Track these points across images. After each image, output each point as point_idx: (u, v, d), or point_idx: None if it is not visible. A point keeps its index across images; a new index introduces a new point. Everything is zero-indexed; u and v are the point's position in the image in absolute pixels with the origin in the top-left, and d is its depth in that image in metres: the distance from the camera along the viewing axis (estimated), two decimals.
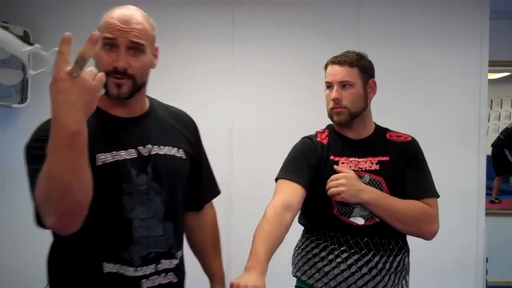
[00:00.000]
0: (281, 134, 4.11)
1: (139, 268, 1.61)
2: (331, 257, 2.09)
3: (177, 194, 1.75)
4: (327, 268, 2.08)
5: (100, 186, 1.49)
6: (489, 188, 7.70)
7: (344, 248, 2.07)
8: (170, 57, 3.99)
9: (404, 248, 2.14)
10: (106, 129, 1.62)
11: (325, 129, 2.26)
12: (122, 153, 1.60)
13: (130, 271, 1.59)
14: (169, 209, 1.69)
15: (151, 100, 1.80)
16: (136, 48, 1.59)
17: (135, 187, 1.60)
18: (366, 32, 4.12)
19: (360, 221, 2.07)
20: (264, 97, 4.15)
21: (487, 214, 4.40)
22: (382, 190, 2.08)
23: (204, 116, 4.10)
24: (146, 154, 1.64)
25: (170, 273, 1.70)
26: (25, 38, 3.93)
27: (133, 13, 1.62)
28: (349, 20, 4.16)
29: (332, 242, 2.09)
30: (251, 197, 4.02)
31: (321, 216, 2.12)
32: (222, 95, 4.13)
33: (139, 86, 1.63)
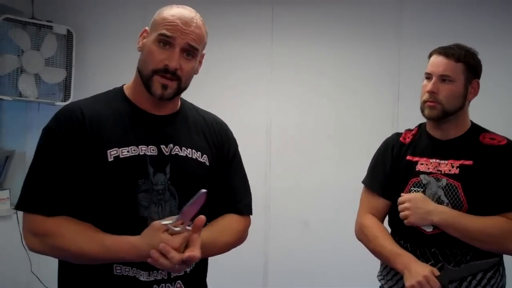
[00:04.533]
0: (319, 132, 4.12)
1: (151, 272, 1.53)
2: (388, 276, 2.05)
3: None
4: (401, 283, 1.97)
5: (115, 181, 1.50)
6: None
7: (432, 262, 1.94)
8: (210, 54, 4.02)
9: (484, 260, 1.93)
10: (131, 122, 1.58)
11: (416, 127, 2.15)
12: (143, 148, 1.54)
13: (143, 275, 1.52)
14: None
15: (183, 101, 1.75)
16: (190, 52, 1.57)
17: (151, 185, 1.53)
18: (407, 32, 4.05)
19: (428, 228, 1.94)
20: (302, 95, 4.15)
21: None
22: (457, 196, 1.92)
23: (243, 114, 4.16)
24: (167, 154, 1.58)
25: (178, 281, 1.59)
26: (69, 37, 4.01)
27: (193, 16, 1.59)
28: (390, 19, 4.10)
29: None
30: (289, 195, 4.04)
31: (395, 220, 2.06)
32: (261, 93, 4.15)
33: (181, 90, 1.61)
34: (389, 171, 2.06)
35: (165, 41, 1.54)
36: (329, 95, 4.13)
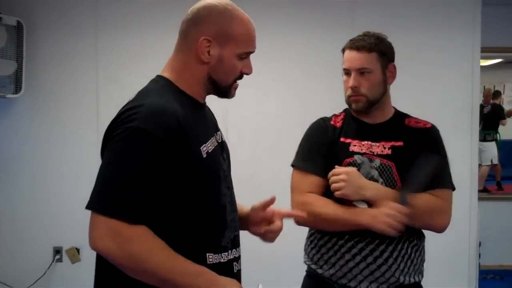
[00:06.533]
0: (278, 121, 4.18)
1: (229, 252, 1.61)
2: (336, 247, 2.05)
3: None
4: (333, 260, 2.05)
5: (206, 177, 1.54)
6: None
7: (348, 237, 2.02)
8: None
9: (414, 235, 2.06)
10: (199, 115, 1.64)
11: (342, 112, 2.20)
12: (213, 140, 1.60)
13: (224, 256, 1.59)
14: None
15: None
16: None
17: (223, 173, 1.63)
18: (360, 19, 4.13)
19: (363, 205, 2.00)
20: (261, 83, 4.17)
21: (480, 199, 4.45)
22: (391, 175, 2.01)
23: None
24: (220, 141, 1.66)
25: (240, 260, 1.69)
26: (19, 29, 3.92)
27: None
28: (343, 6, 4.17)
29: (336, 232, 2.05)
30: (245, 185, 4.05)
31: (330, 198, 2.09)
32: None
33: None
34: (326, 153, 2.10)
35: (246, 57, 1.63)
36: (290, 82, 4.17)
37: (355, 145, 2.07)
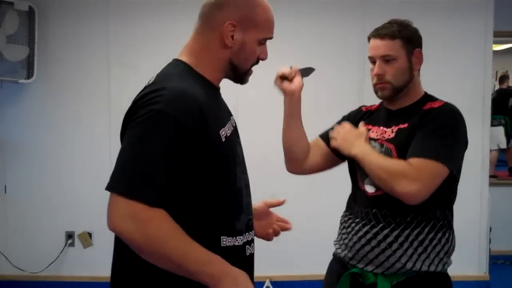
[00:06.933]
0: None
1: (244, 235, 1.62)
2: (349, 229, 2.07)
3: None
4: (346, 240, 2.08)
5: (224, 160, 1.55)
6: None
7: (357, 219, 2.04)
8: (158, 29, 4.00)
9: (424, 222, 1.98)
10: (217, 100, 1.65)
11: (380, 103, 2.22)
12: (229, 124, 1.61)
13: (239, 240, 1.60)
14: None
15: None
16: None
17: (239, 157, 1.64)
18: (371, 5, 4.12)
19: (371, 189, 2.02)
20: (269, 72, 4.16)
21: (492, 184, 4.45)
22: (392, 158, 1.99)
23: None
24: (234, 126, 1.67)
25: (253, 243, 1.69)
26: (31, 14, 3.94)
27: None
28: None
29: (350, 212, 2.11)
30: (257, 169, 4.06)
31: (351, 182, 2.17)
32: None
33: None
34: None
35: (264, 43, 1.66)
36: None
37: (373, 132, 2.09)
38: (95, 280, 4.22)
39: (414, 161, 1.90)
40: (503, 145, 7.76)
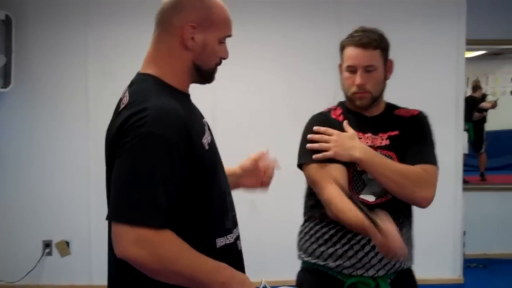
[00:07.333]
0: (266, 112, 4.23)
1: (233, 232, 1.65)
2: (344, 240, 2.04)
3: None
4: (339, 252, 2.05)
5: (210, 167, 1.58)
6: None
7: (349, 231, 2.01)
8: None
9: (410, 221, 2.10)
10: (192, 109, 1.66)
11: (337, 106, 2.18)
12: (207, 129, 1.64)
13: (230, 238, 1.63)
14: None
15: None
16: None
17: (219, 159, 1.68)
18: (346, 12, 4.20)
19: (371, 198, 2.00)
20: (248, 76, 4.19)
21: (464, 189, 4.53)
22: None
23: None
24: (209, 128, 1.69)
25: (239, 239, 1.72)
26: (8, 22, 3.93)
27: None
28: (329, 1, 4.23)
29: (340, 226, 2.01)
30: None
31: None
32: None
33: None
34: None
35: (224, 41, 1.66)
36: (274, 75, 4.22)
37: (360, 138, 2.06)
38: None
39: (425, 167, 1.99)
40: (465, 151, 7.89)
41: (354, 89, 2.05)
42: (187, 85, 1.67)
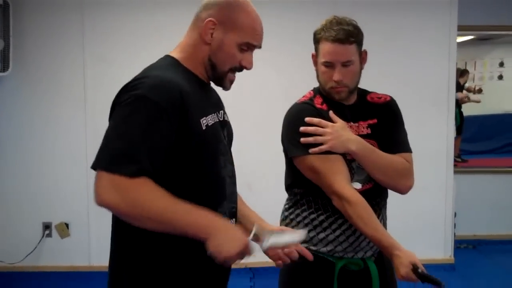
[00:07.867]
0: (263, 97, 4.32)
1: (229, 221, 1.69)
2: (334, 226, 2.09)
3: None
4: (331, 237, 2.09)
5: (205, 148, 1.63)
6: None
7: (336, 216, 2.06)
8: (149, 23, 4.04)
9: (386, 201, 2.18)
10: (202, 91, 1.71)
11: (315, 94, 2.16)
12: (214, 116, 1.69)
13: None
14: None
15: None
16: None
17: (224, 147, 1.72)
18: None
19: (357, 185, 2.05)
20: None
21: (456, 172, 4.63)
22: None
23: None
24: (221, 120, 1.75)
25: None
26: (5, 7, 3.95)
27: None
28: None
29: (333, 211, 2.05)
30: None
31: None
32: None
33: None
34: None
35: (249, 50, 1.71)
36: (267, 60, 4.27)
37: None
38: (72, 270, 4.31)
39: (405, 156, 2.09)
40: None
41: (332, 84, 2.05)
42: (204, 75, 1.73)
